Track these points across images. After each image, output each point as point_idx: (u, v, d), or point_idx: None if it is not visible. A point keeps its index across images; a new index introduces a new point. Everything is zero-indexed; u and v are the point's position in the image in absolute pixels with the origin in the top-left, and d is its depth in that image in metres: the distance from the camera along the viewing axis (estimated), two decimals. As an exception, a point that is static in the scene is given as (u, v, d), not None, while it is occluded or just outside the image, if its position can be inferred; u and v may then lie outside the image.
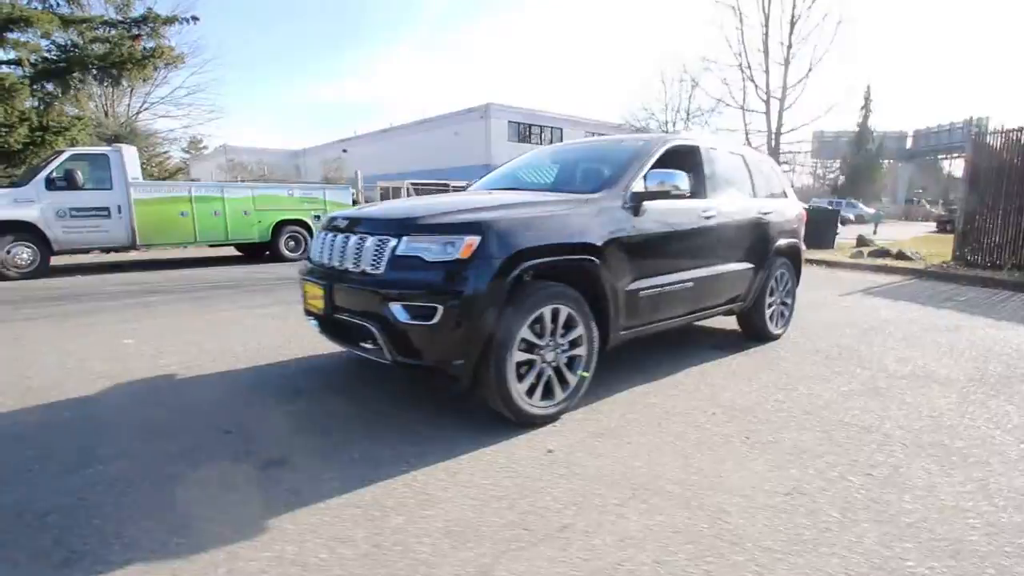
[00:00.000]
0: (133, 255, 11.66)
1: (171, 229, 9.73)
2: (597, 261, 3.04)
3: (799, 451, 2.71)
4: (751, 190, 4.60)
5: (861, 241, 16.82)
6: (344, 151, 35.56)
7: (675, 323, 3.86)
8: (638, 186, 3.44)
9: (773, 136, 16.09)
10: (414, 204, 3.31)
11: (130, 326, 5.16)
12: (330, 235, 3.11)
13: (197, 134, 24.85)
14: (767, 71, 15.81)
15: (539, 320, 2.82)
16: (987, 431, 2.99)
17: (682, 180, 3.37)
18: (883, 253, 12.43)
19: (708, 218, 3.92)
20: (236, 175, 24.76)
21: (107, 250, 9.70)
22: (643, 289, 3.40)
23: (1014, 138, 10.85)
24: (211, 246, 10.78)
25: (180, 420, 2.96)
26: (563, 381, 3.00)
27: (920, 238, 20.10)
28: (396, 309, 2.60)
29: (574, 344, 3.03)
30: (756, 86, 16.10)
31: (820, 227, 15.79)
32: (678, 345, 4.64)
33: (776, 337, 4.91)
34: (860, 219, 32.64)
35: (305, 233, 11.25)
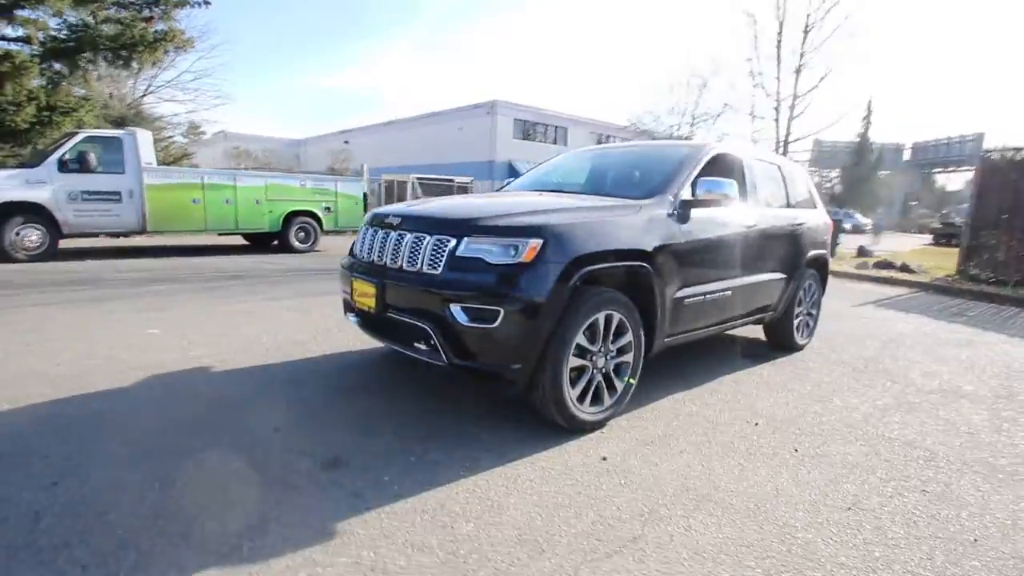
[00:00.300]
0: (138, 240, 11.51)
1: (182, 216, 9.60)
2: (649, 268, 3.02)
3: (850, 465, 2.70)
4: (786, 200, 4.59)
5: (862, 252, 16.92)
6: (346, 142, 35.30)
7: (713, 331, 3.85)
8: (686, 193, 3.41)
9: (782, 144, 16.13)
10: (471, 204, 3.25)
11: (151, 315, 5.08)
12: (381, 231, 3.06)
13: (200, 120, 24.45)
14: (779, 78, 15.85)
15: (592, 326, 2.79)
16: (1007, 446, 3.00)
17: (731, 188, 3.35)
18: (887, 265, 12.50)
19: (749, 227, 3.90)
20: (240, 163, 24.50)
21: (116, 235, 9.55)
22: (688, 297, 3.38)
23: (1020, 158, 10.97)
24: (220, 235, 10.65)
25: (225, 416, 2.90)
26: (611, 387, 2.98)
27: (919, 251, 20.23)
28: (456, 311, 2.55)
29: (622, 351, 3.01)
30: (767, 93, 16.16)
31: None
32: (708, 353, 4.63)
33: (801, 348, 4.91)
34: (856, 229, 32.82)
35: (315, 224, 11.13)
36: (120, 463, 2.35)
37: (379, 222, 3.17)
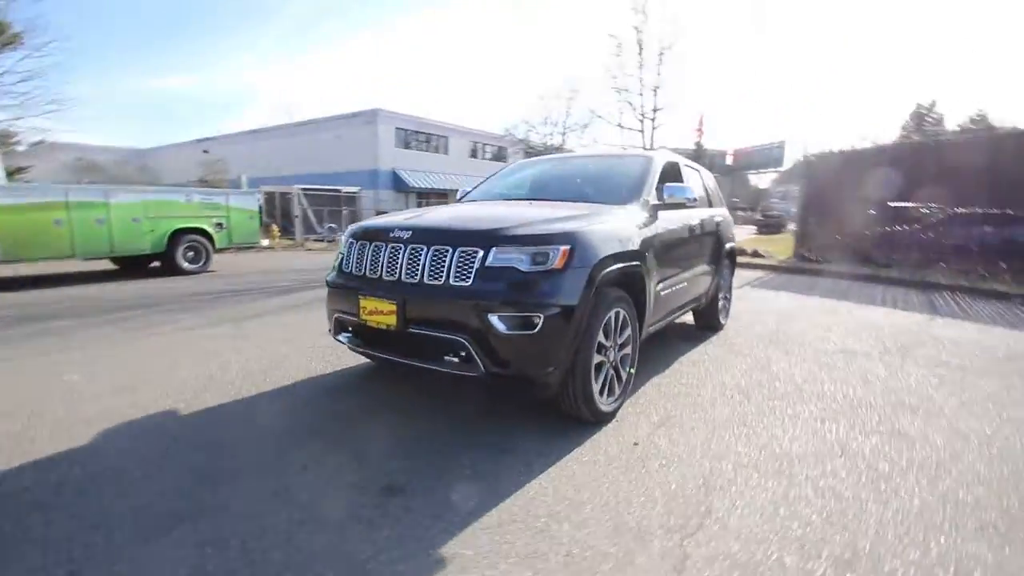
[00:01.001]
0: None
1: (42, 241, 7.95)
2: (640, 266, 3.22)
3: (821, 419, 3.14)
4: (708, 201, 5.12)
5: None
6: (205, 151, 31.68)
7: (672, 319, 4.20)
8: (654, 198, 3.68)
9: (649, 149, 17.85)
10: (484, 214, 3.16)
11: (57, 358, 4.21)
12: (386, 246, 2.88)
13: (28, 127, 20.21)
14: (641, 94, 17.45)
15: (607, 323, 2.92)
16: (926, 392, 3.71)
17: (690, 193, 3.69)
18: (741, 252, 14.38)
19: (693, 226, 4.31)
20: (86, 177, 20.79)
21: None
22: (663, 290, 3.66)
23: (831, 160, 13.31)
24: (86, 259, 9.00)
25: (234, 462, 2.54)
26: (618, 378, 3.13)
27: (753, 239, 23.36)
28: (495, 320, 2.52)
29: (623, 344, 3.17)
30: (632, 107, 17.70)
31: None
32: (654, 342, 5.00)
33: (723, 327, 5.52)
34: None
35: (206, 243, 9.90)
36: (149, 536, 1.97)
37: (375, 236, 2.99)
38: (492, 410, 3.19)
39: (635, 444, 2.76)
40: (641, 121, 17.70)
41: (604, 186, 3.83)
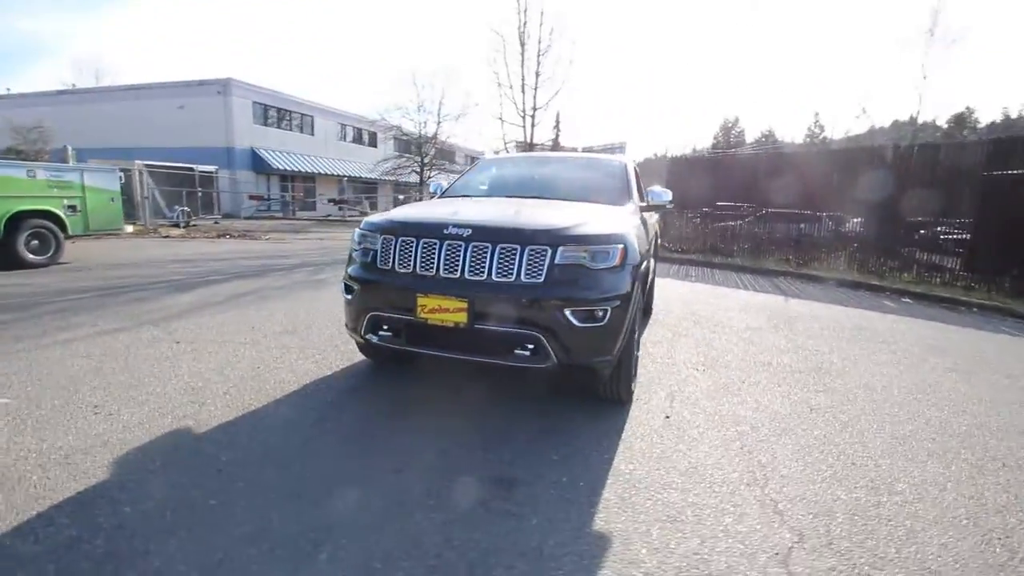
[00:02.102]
0: None
1: None
2: (648, 261, 3.60)
3: (775, 384, 3.85)
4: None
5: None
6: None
7: (640, 307, 4.69)
8: (638, 199, 4.08)
9: (529, 148, 18.57)
10: (538, 213, 3.19)
11: (-54, 379, 3.25)
12: (442, 243, 2.82)
13: None
14: (523, 91, 18.08)
15: (635, 313, 3.24)
16: (821, 356, 4.71)
17: (668, 196, 4.17)
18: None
19: (653, 223, 4.84)
20: None
21: None
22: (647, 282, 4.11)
23: (680, 162, 15.34)
24: None
25: (311, 475, 2.35)
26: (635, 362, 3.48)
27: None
28: (568, 314, 2.67)
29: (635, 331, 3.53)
30: (514, 102, 18.26)
31: None
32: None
33: (652, 311, 6.24)
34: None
35: (55, 229, 8.00)
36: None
37: (423, 233, 2.90)
38: (520, 400, 3.33)
39: (667, 417, 3.15)
40: (523, 117, 18.36)
41: (598, 187, 4.11)
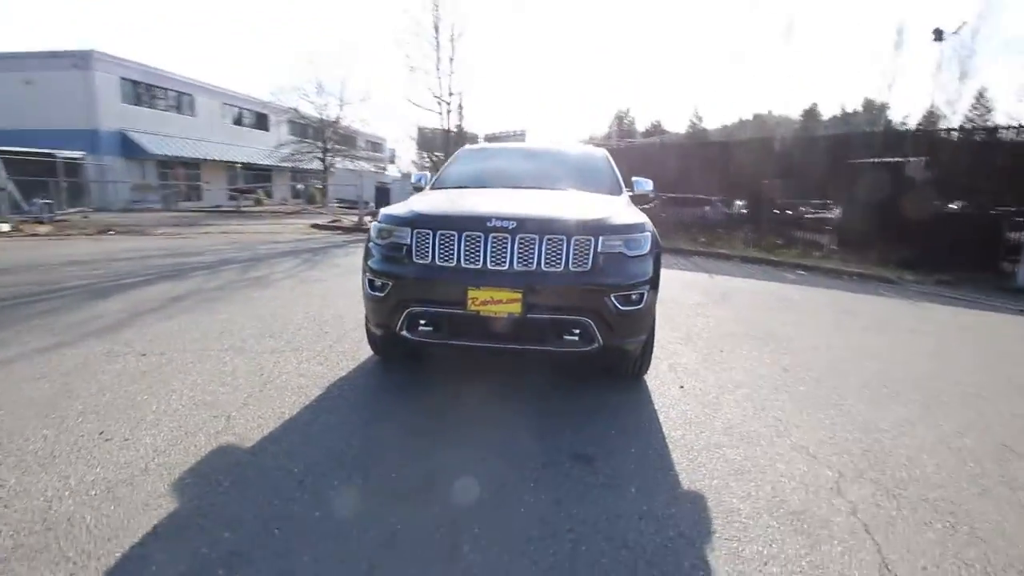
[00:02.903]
0: None
1: None
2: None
3: (746, 351, 4.37)
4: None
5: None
6: None
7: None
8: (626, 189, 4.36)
9: (450, 133, 18.36)
10: (570, 205, 3.31)
11: None
12: (487, 236, 2.85)
13: None
14: (439, 77, 17.71)
15: (648, 296, 3.52)
16: (766, 324, 5.39)
17: (650, 186, 4.49)
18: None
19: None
20: None
21: None
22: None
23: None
24: None
25: (400, 472, 2.33)
26: (641, 340, 3.77)
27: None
28: (613, 299, 2.86)
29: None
30: (429, 88, 17.84)
31: None
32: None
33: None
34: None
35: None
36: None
37: (463, 226, 2.90)
38: (546, 386, 3.49)
39: (681, 387, 3.48)
40: (439, 103, 18.06)
41: (592, 178, 4.29)
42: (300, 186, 31.70)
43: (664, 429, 2.84)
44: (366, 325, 3.53)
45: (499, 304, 2.83)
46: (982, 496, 2.32)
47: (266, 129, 29.97)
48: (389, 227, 3.16)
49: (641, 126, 49.95)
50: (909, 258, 10.18)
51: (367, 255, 3.26)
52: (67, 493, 2.09)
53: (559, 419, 2.93)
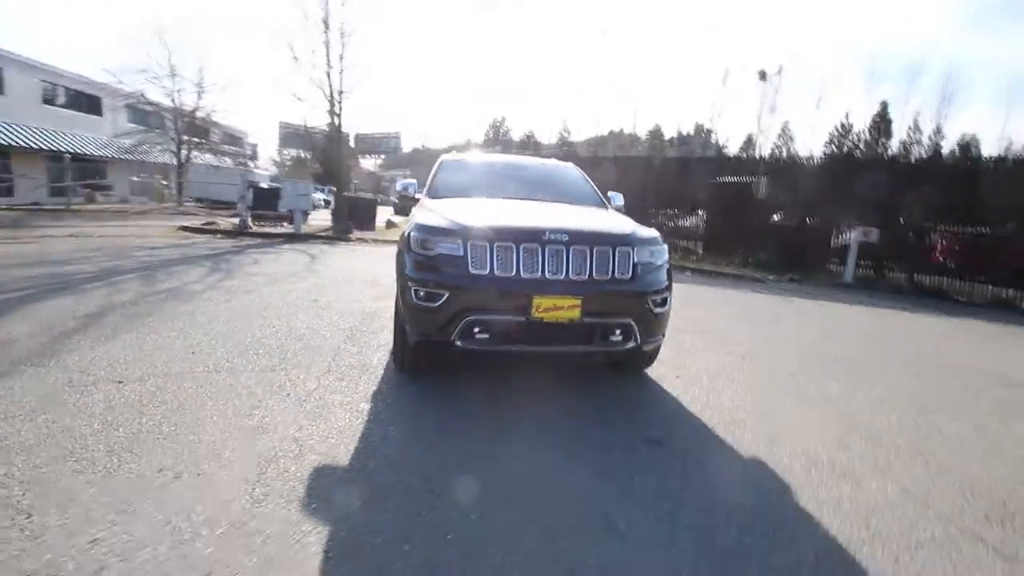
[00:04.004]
0: None
1: None
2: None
3: (704, 342, 5.12)
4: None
5: (390, 224, 20.73)
6: None
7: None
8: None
9: (342, 133, 17.41)
10: (596, 218, 3.74)
11: None
12: (544, 248, 3.07)
13: None
14: (328, 72, 16.68)
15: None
16: (702, 320, 6.30)
17: (622, 200, 5.01)
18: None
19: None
20: None
21: None
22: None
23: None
24: None
25: (517, 473, 2.47)
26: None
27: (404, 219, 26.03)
28: (652, 302, 3.28)
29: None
30: (316, 84, 16.72)
31: (365, 212, 18.56)
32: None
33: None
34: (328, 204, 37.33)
35: None
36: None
37: (519, 238, 3.09)
38: (568, 383, 3.80)
39: (677, 377, 4.03)
40: (330, 101, 17.09)
41: (581, 192, 4.68)
42: (137, 178, 27.18)
43: (692, 411, 3.34)
44: (400, 338, 3.49)
45: (560, 311, 3.07)
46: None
47: (99, 114, 25.27)
48: (431, 238, 3.21)
49: (516, 135, 52.09)
50: (765, 261, 12.36)
51: (408, 266, 3.26)
52: (204, 547, 1.88)
53: (606, 412, 3.26)
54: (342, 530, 1.95)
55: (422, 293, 3.14)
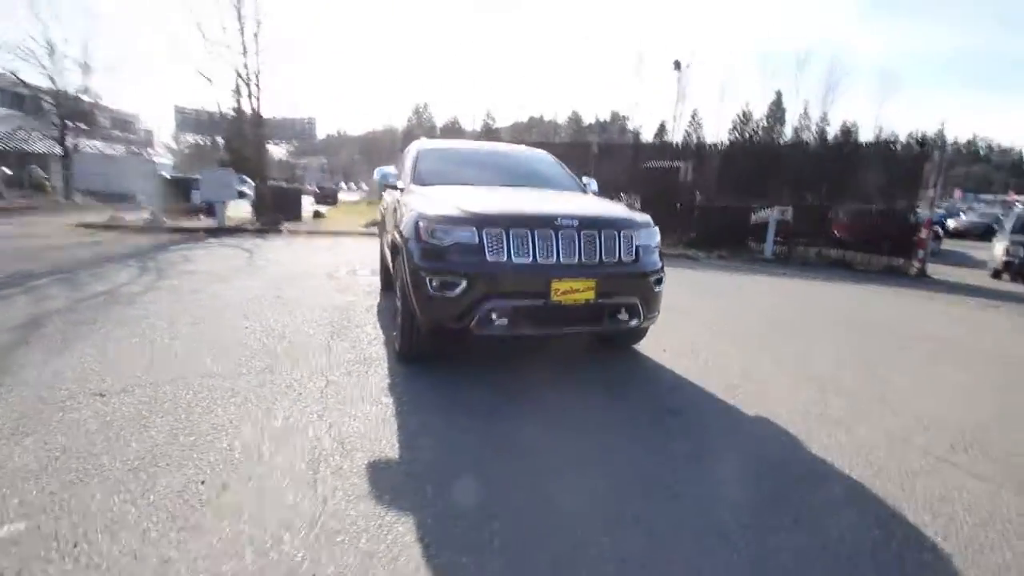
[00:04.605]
0: None
1: None
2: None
3: (676, 319, 5.49)
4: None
5: (318, 214, 19.73)
6: None
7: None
8: (582, 188, 5.01)
9: (255, 117, 16.13)
10: (603, 204, 3.93)
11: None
12: (557, 233, 3.17)
13: None
14: (244, 53, 15.35)
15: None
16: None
17: (595, 185, 5.20)
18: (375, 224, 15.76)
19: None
20: None
21: None
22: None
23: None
24: None
25: (603, 473, 2.57)
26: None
27: (335, 208, 24.97)
28: (652, 282, 3.50)
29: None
30: (231, 65, 15.36)
31: (291, 203, 17.58)
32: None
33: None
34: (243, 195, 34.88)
35: None
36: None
37: (533, 224, 3.17)
38: (573, 365, 3.96)
39: (664, 351, 4.30)
40: (247, 84, 15.85)
41: (559, 177, 4.79)
42: (11, 172, 23.69)
43: (695, 381, 3.62)
44: (409, 327, 3.45)
45: (577, 293, 3.19)
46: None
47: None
48: (444, 227, 3.20)
49: (440, 121, 51.17)
50: (695, 240, 13.25)
51: (417, 255, 3.23)
52: (295, 552, 1.80)
53: (624, 389, 3.45)
54: (427, 517, 1.97)
55: (436, 282, 3.13)
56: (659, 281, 3.58)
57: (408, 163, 4.68)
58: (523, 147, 5.70)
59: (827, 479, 2.40)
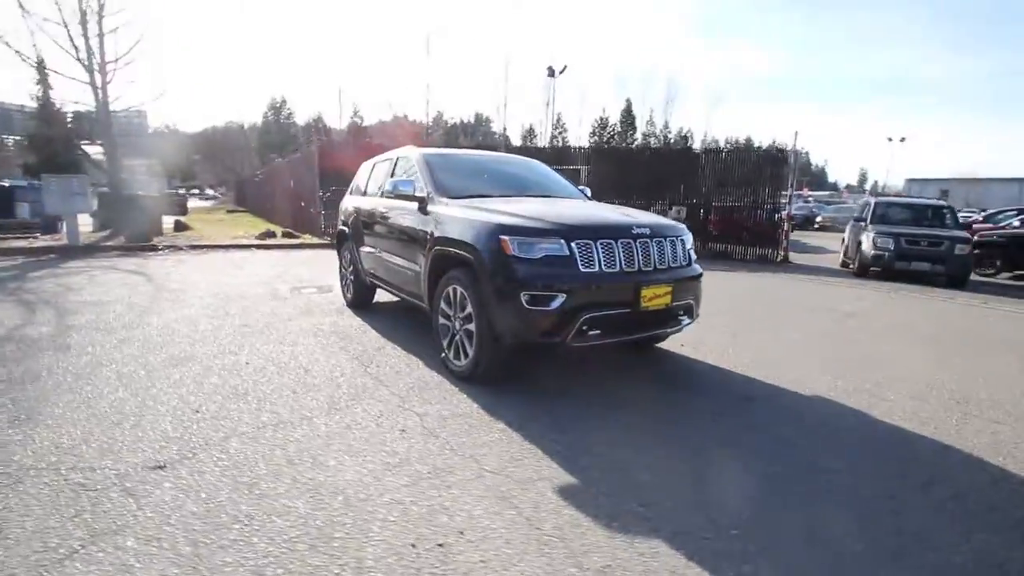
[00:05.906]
0: None
1: None
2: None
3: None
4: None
5: (180, 226, 17.20)
6: None
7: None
8: (577, 194, 5.14)
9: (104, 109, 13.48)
10: (643, 213, 4.12)
11: None
12: (636, 242, 3.28)
13: None
14: (86, 35, 12.58)
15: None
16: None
17: (589, 192, 5.37)
18: (271, 234, 14.17)
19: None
20: None
21: None
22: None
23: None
24: None
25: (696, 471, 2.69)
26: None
27: (196, 216, 22.01)
28: (700, 284, 3.78)
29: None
30: (69, 51, 12.49)
31: (152, 214, 15.16)
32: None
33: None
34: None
35: None
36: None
37: (615, 234, 3.26)
38: (613, 371, 4.10)
39: (682, 345, 4.64)
40: (90, 72, 13.18)
41: (563, 186, 4.85)
42: None
43: (720, 368, 4.00)
44: (487, 344, 3.26)
45: (659, 298, 3.33)
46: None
47: None
48: (533, 239, 3.15)
49: (301, 119, 47.52)
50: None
51: (503, 270, 3.13)
52: None
53: (674, 388, 3.67)
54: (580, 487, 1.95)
55: (529, 296, 3.05)
56: (700, 281, 3.86)
57: (422, 174, 4.35)
58: (518, 156, 5.69)
59: (889, 440, 2.90)
